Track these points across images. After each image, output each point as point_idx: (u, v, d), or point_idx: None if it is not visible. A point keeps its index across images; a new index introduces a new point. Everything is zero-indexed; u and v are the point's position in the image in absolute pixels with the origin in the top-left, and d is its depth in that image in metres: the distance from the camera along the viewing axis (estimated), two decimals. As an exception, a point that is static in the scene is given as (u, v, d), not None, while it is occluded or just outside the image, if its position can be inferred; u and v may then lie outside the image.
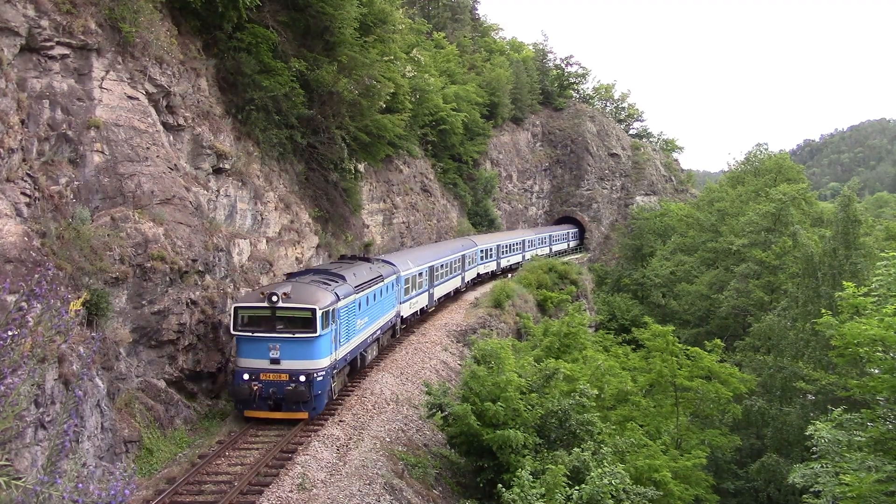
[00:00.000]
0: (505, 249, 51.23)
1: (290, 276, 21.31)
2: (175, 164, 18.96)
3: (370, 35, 31.68)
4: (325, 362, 18.15)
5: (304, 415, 17.88)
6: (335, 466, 16.06)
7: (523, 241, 56.24)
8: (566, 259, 59.59)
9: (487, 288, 43.65)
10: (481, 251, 45.24)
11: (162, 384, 17.23)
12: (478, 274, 45.14)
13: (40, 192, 14.06)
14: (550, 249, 63.76)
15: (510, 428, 16.77)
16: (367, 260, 26.66)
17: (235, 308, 17.76)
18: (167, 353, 17.41)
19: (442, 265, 35.98)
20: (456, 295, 40.74)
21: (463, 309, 38.25)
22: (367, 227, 38.48)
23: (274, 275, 24.31)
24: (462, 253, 40.48)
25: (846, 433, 17.76)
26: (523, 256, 54.51)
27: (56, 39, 15.20)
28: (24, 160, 13.97)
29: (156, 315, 16.39)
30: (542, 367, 19.97)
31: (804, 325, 30.71)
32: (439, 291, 36.05)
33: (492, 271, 48.50)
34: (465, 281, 42.08)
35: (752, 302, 44.62)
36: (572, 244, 76.73)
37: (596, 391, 20.75)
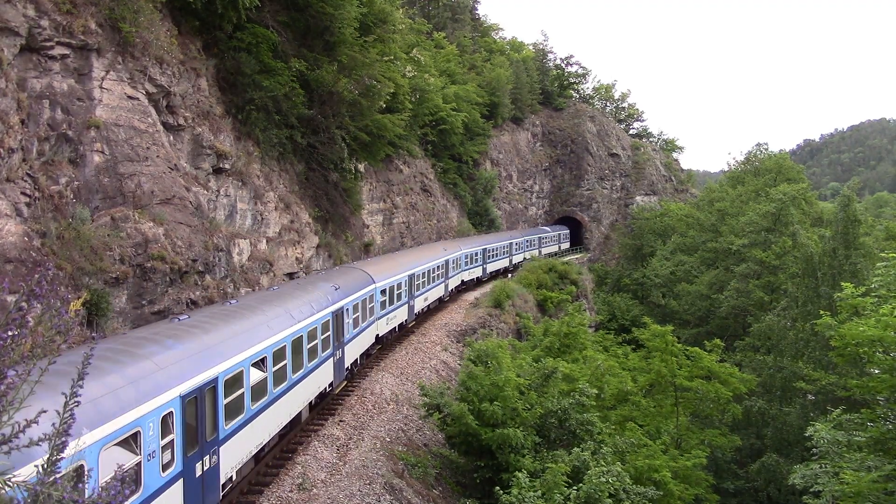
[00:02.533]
0: (421, 281, 31.84)
1: None
2: (175, 164, 18.97)
3: (370, 35, 31.71)
4: None
5: None
6: (335, 466, 16.07)
7: (446, 262, 37.07)
8: (566, 259, 59.52)
9: (479, 292, 43.46)
10: (382, 292, 25.53)
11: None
12: (377, 337, 25.17)
13: (40, 192, 14.06)
14: (485, 270, 46.96)
15: (509, 427, 16.78)
16: None
17: None
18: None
19: (291, 344, 15.55)
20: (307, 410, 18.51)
21: (463, 309, 38.24)
22: (367, 227, 38.49)
23: (274, 275, 24.33)
24: (344, 303, 20.24)
25: (846, 433, 17.78)
26: (446, 286, 37.73)
27: (56, 39, 15.21)
28: (24, 160, 13.97)
29: (156, 315, 16.39)
30: (541, 366, 19.99)
31: (804, 325, 30.74)
32: (259, 431, 13.95)
33: (402, 323, 29.26)
34: (346, 365, 20.84)
35: (752, 302, 44.68)
36: (550, 248, 64.17)
37: (596, 391, 20.78)
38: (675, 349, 28.29)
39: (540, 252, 60.46)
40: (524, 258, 55.14)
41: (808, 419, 23.90)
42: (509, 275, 50.25)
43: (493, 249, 48.69)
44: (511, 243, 53.67)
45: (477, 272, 45.29)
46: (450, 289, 38.72)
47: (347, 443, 17.58)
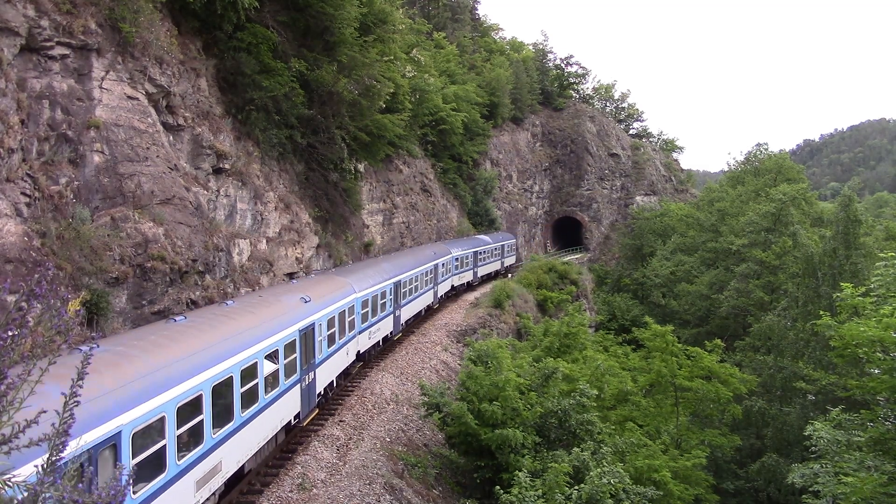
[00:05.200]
0: (225, 404, 12.28)
1: None
2: (175, 164, 18.96)
3: (370, 35, 31.71)
4: None
5: None
6: (335, 466, 16.06)
7: (311, 329, 17.33)
8: (566, 259, 59.48)
9: (488, 287, 43.31)
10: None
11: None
12: None
13: (40, 192, 14.06)
14: (397, 318, 28.07)
15: (509, 427, 16.79)
16: None
17: None
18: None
19: None
20: None
21: (463, 309, 38.24)
22: (367, 227, 38.48)
23: (274, 275, 24.32)
24: None
25: (845, 433, 17.78)
26: (308, 388, 17.18)
27: (56, 39, 15.20)
28: (24, 160, 13.97)
29: (156, 315, 16.39)
30: (541, 366, 19.99)
31: (804, 326, 30.71)
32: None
33: None
34: None
35: (752, 302, 44.64)
36: (489, 267, 48.37)
37: (596, 391, 20.78)
38: (676, 349, 28.28)
39: (475, 274, 45.59)
40: (452, 285, 40.33)
41: (808, 419, 23.87)
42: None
43: (410, 281, 29.98)
44: (436, 266, 35.36)
45: (386, 327, 26.16)
46: (319, 388, 18.19)
47: (347, 443, 17.58)
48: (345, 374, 21.98)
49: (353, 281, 22.60)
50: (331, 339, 19.28)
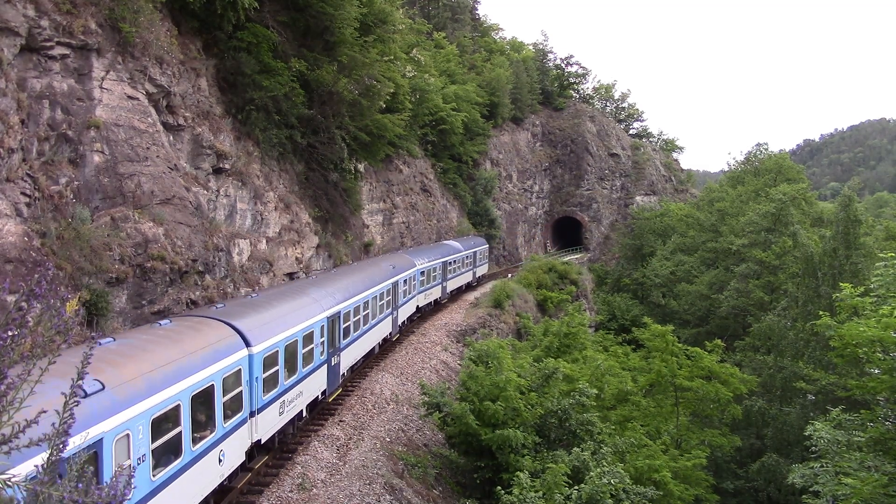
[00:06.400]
0: None
1: None
2: (175, 164, 18.96)
3: (370, 35, 31.71)
4: None
5: None
6: (335, 466, 16.07)
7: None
8: (566, 259, 59.49)
9: (488, 287, 43.40)
10: None
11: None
12: None
13: (40, 192, 14.06)
14: (335, 368, 19.38)
15: (509, 427, 16.80)
16: None
17: None
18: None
19: None
20: None
21: (463, 309, 38.23)
22: (367, 227, 38.48)
23: (274, 275, 24.32)
24: None
25: (845, 433, 17.77)
26: None
27: (56, 39, 15.20)
28: (24, 160, 13.97)
29: (156, 315, 16.39)
30: (542, 366, 19.99)
31: (804, 325, 30.70)
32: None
33: None
34: None
35: (752, 302, 44.65)
36: (460, 279, 41.68)
37: (596, 391, 20.78)
38: (676, 349, 28.28)
39: (444, 289, 38.34)
40: (417, 306, 32.85)
41: (808, 419, 23.85)
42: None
43: (357, 310, 21.75)
44: (396, 284, 27.54)
45: (314, 385, 17.76)
46: None
47: (347, 443, 17.58)
48: (222, 493, 13.09)
49: (248, 327, 13.77)
50: (168, 452, 10.33)
